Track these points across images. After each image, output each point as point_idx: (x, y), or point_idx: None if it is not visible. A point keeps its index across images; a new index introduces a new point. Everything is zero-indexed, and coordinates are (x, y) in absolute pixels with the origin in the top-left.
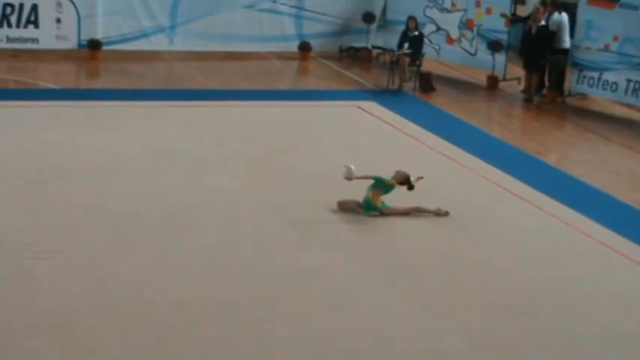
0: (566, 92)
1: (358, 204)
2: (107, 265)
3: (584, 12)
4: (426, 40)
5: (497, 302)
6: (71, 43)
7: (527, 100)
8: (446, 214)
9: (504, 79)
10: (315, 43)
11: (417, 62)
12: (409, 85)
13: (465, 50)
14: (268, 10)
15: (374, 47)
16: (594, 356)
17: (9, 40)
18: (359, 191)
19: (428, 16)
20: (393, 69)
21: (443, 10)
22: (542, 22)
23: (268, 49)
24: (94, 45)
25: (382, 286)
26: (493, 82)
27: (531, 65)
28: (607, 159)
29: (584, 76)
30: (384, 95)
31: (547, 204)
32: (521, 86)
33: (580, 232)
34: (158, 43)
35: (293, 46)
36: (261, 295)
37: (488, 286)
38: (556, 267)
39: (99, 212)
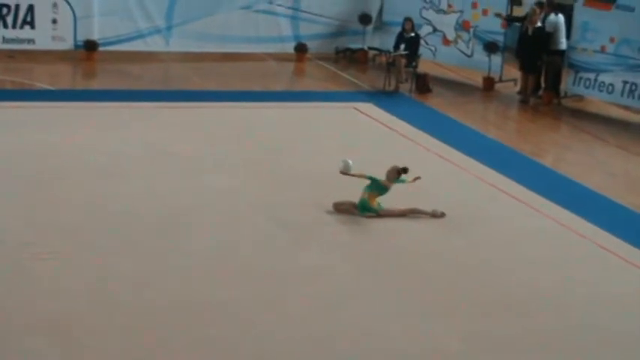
0: (562, 94)
1: (354, 205)
2: (107, 265)
3: (581, 13)
4: (422, 42)
5: (496, 303)
6: (67, 44)
7: (524, 102)
8: (442, 215)
9: (500, 81)
10: (312, 45)
11: (414, 63)
12: (405, 87)
13: (461, 52)
14: (264, 12)
15: (370, 48)
16: (593, 357)
17: (5, 40)
18: (355, 192)
19: (424, 18)
20: (389, 70)
21: (439, 11)
22: (539, 24)
23: (264, 50)
24: (91, 46)
25: (381, 287)
26: (489, 83)
27: (527, 67)
28: (603, 160)
29: (581, 78)
30: (380, 96)
31: (543, 205)
32: (518, 87)
33: (575, 233)
34: (154, 44)
35: (289, 48)
36: (260, 296)
37: (485, 286)
38: (552, 268)
39: (99, 212)
